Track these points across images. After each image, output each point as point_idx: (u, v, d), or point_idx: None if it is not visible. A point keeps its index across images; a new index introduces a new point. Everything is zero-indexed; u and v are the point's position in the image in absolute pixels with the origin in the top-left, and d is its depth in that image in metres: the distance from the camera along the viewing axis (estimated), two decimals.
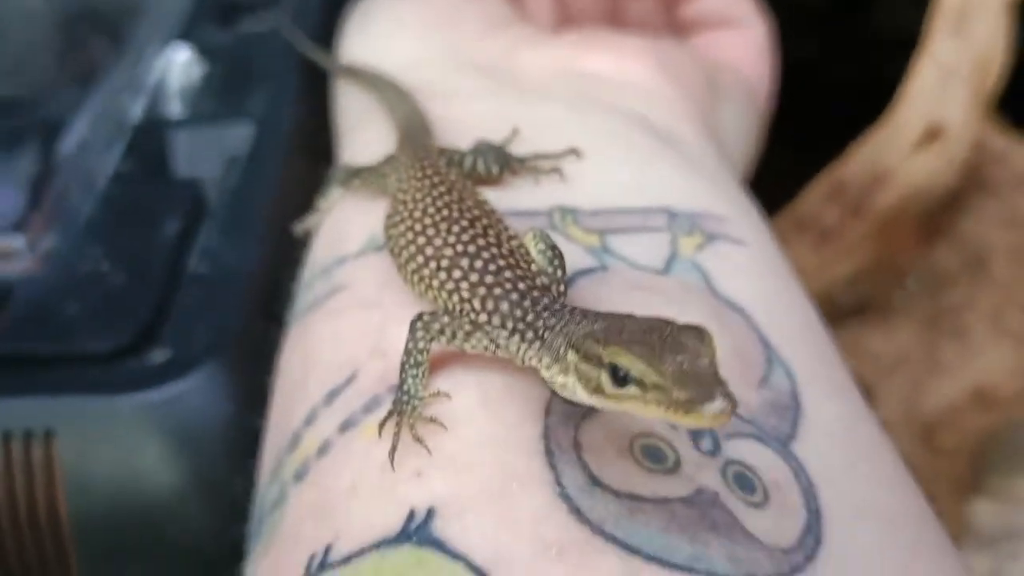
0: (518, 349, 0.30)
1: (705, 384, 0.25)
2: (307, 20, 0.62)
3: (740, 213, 0.41)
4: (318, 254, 0.41)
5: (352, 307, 0.35)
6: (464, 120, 0.43)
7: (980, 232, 0.68)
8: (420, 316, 0.31)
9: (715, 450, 0.30)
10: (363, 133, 0.46)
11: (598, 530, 0.27)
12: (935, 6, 0.60)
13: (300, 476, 0.32)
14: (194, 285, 0.48)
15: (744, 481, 0.29)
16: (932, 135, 0.60)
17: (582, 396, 0.28)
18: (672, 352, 0.25)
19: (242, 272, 0.48)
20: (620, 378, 0.26)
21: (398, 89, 0.45)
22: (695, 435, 0.30)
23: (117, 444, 0.42)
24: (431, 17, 0.51)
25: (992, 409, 0.64)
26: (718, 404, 0.24)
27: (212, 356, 0.43)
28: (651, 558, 0.26)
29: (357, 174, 0.41)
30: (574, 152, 0.40)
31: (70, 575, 0.42)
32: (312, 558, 0.29)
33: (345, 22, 0.56)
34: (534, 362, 0.29)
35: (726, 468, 0.29)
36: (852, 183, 0.61)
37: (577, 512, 0.27)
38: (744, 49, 0.58)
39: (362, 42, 0.52)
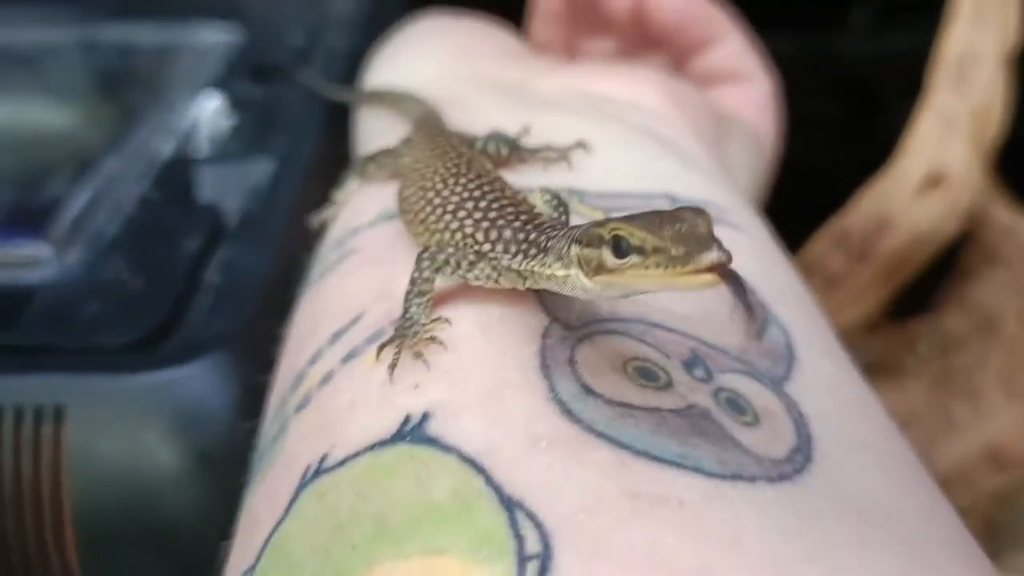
0: (520, 265, 0.31)
1: (702, 241, 0.26)
2: (333, 77, 0.66)
3: (741, 207, 0.42)
4: (333, 232, 0.42)
5: (362, 266, 0.37)
6: (482, 125, 0.45)
7: (990, 298, 0.69)
8: (426, 249, 0.32)
9: (707, 378, 0.30)
10: (381, 141, 0.48)
11: (588, 428, 0.27)
12: (935, 59, 0.63)
13: (301, 407, 0.32)
14: (209, 292, 0.49)
15: (735, 405, 0.29)
16: (934, 182, 0.62)
17: (584, 284, 0.29)
18: (671, 223, 0.26)
19: (256, 280, 0.50)
20: (621, 251, 0.27)
21: (416, 97, 0.48)
22: (689, 363, 0.30)
23: (124, 423, 0.42)
24: (453, 49, 0.54)
25: (1005, 469, 0.63)
26: (714, 254, 0.25)
27: (220, 344, 0.44)
28: (640, 452, 0.26)
29: (373, 159, 0.43)
30: (582, 145, 0.42)
31: (65, 552, 0.42)
32: (307, 469, 0.29)
33: (370, 62, 0.59)
34: (536, 267, 0.30)
35: (718, 393, 0.30)
36: (856, 230, 0.62)
37: (569, 413, 0.27)
38: (751, 103, 0.60)
39: (387, 72, 0.55)
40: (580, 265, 0.29)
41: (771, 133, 0.60)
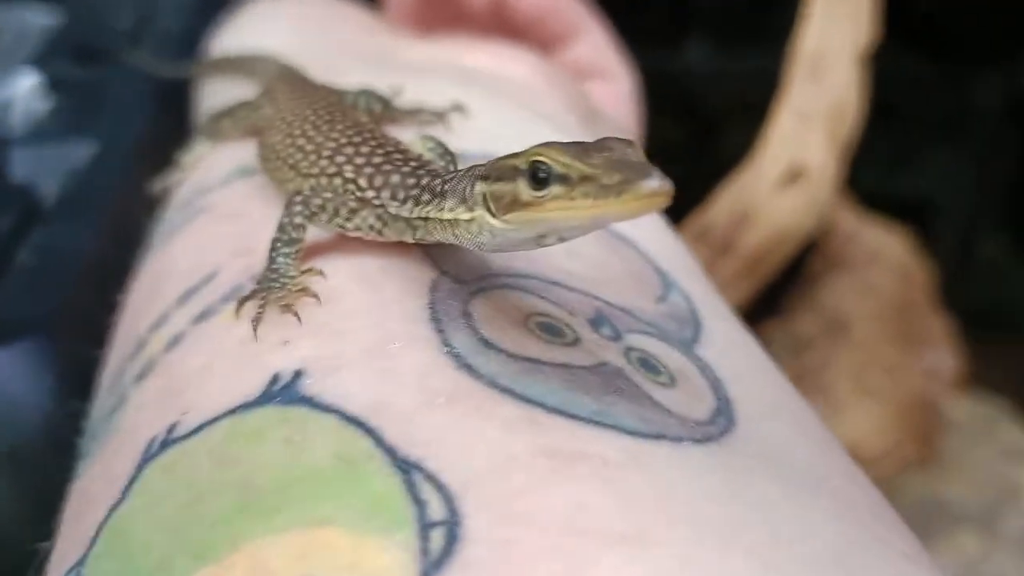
0: (411, 213, 0.27)
1: (638, 169, 0.22)
2: (166, 59, 0.61)
3: None
4: (178, 195, 0.37)
5: (214, 223, 0.32)
6: (348, 85, 0.41)
7: (837, 302, 0.70)
8: (299, 192, 0.28)
9: (616, 336, 0.27)
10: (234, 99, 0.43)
11: (492, 383, 0.23)
12: (792, 56, 0.63)
13: (143, 375, 0.27)
14: (21, 275, 0.43)
15: (649, 365, 0.26)
16: (794, 176, 0.62)
17: (493, 225, 0.25)
18: (598, 150, 0.23)
19: (75, 262, 0.44)
20: (540, 180, 0.23)
21: (270, 58, 0.43)
22: (594, 322, 0.27)
23: None
24: (309, 19, 0.49)
25: (860, 467, 0.63)
26: (656, 181, 0.22)
27: (32, 329, 0.39)
28: (552, 409, 0.23)
29: (228, 113, 0.38)
30: (459, 108, 0.38)
31: None
32: (152, 441, 0.24)
33: (214, 35, 0.54)
34: (432, 214, 0.26)
35: (628, 352, 0.27)
36: (718, 224, 0.61)
37: (468, 368, 0.24)
38: (614, 98, 0.59)
39: (236, 42, 0.50)
40: (487, 204, 0.25)
41: (633, 130, 0.59)
